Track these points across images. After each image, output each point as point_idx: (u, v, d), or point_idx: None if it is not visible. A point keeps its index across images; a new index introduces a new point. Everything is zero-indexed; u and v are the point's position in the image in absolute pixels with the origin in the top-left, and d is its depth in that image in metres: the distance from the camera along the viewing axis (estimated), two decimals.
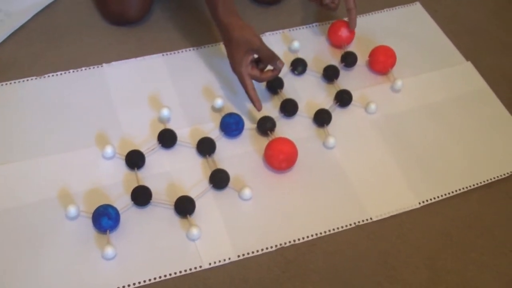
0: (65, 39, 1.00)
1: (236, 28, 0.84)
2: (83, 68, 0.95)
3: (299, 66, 0.99)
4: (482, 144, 0.93)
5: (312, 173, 0.87)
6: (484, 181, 0.88)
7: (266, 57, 0.85)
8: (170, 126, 0.88)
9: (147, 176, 0.83)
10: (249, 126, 0.91)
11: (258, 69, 0.88)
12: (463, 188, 0.87)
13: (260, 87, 0.96)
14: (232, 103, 0.94)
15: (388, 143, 0.92)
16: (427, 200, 0.85)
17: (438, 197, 0.86)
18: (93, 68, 0.96)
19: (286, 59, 1.01)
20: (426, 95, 0.99)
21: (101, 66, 0.96)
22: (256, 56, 0.87)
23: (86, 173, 0.83)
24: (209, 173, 0.83)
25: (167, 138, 0.86)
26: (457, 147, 0.93)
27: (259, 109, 0.88)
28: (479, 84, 1.02)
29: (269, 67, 0.89)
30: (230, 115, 0.89)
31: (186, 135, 0.88)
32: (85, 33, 1.02)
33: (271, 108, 0.94)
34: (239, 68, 0.85)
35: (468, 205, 0.86)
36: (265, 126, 0.89)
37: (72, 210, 0.77)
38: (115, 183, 0.82)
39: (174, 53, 0.99)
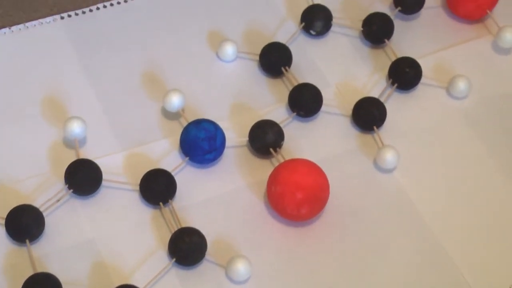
0: None
1: None
2: None
3: (317, 19, 0.78)
4: None
5: (359, 222, 0.68)
6: None
7: None
8: (86, 152, 0.71)
9: (50, 253, 0.66)
10: (234, 141, 0.71)
11: None
12: None
13: (252, 66, 0.77)
14: (201, 100, 0.74)
15: (497, 152, 0.73)
16: None
17: None
18: None
19: (293, 9, 0.81)
20: None
21: None
22: None
23: None
24: (168, 238, 0.66)
25: (83, 177, 0.67)
26: None
27: None
28: None
29: None
30: (199, 124, 0.69)
31: (119, 168, 0.70)
32: None
33: (273, 103, 0.74)
34: None
35: None
36: (266, 138, 0.69)
37: None
38: None
39: (82, 12, 0.83)
